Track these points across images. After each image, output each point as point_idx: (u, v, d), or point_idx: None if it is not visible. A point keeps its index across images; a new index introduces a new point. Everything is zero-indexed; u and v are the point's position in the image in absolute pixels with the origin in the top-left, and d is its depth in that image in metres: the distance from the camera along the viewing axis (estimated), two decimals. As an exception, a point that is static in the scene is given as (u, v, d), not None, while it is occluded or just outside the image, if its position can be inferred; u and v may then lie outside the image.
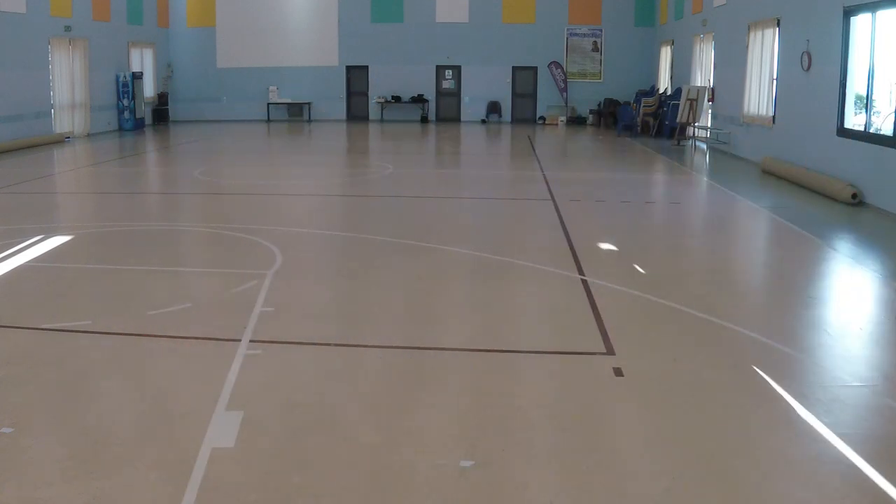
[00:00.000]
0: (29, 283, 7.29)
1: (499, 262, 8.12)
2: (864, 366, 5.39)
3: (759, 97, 16.78)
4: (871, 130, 11.99)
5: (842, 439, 4.20)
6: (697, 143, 20.77)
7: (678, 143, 21.01)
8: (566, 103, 28.38)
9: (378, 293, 7.15)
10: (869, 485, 3.79)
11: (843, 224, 10.70)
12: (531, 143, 22.01)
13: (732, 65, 18.37)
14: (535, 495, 3.69)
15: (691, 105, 20.48)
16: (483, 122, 28.74)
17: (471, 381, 5.05)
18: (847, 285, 7.83)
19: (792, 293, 7.24)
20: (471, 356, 5.55)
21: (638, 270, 7.83)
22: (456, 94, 29.14)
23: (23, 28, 19.96)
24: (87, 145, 21.01)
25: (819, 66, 13.46)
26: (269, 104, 29.23)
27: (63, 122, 22.10)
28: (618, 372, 5.17)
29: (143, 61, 26.81)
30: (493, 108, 28.93)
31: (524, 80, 28.88)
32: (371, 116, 29.46)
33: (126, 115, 24.98)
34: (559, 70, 28.27)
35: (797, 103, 14.49)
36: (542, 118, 28.74)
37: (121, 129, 24.95)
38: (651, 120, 23.99)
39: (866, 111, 12.04)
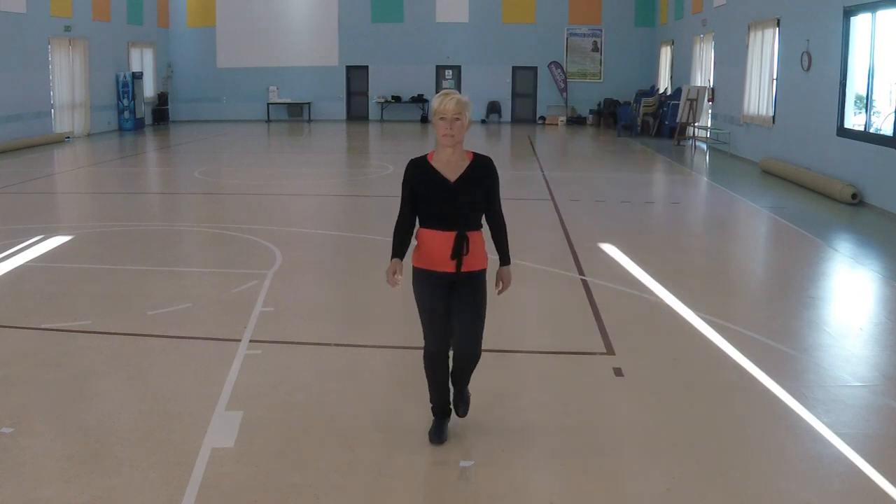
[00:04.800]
0: (29, 283, 7.29)
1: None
2: (864, 366, 5.39)
3: (759, 97, 16.79)
4: (871, 130, 11.99)
5: (842, 439, 4.21)
6: (697, 143, 20.76)
7: (678, 143, 21.01)
8: (566, 103, 28.39)
9: (378, 293, 7.14)
10: (869, 485, 3.79)
11: (843, 224, 10.70)
12: (531, 143, 22.01)
13: (732, 65, 18.37)
14: (535, 495, 3.69)
15: (691, 105, 20.48)
16: (483, 122, 28.74)
17: (470, 380, 5.04)
18: (847, 285, 7.83)
19: (792, 293, 7.24)
20: (471, 356, 5.54)
21: (637, 270, 7.83)
22: (456, 94, 29.14)
23: (23, 28, 19.96)
24: (87, 145, 21.01)
25: (819, 66, 13.45)
26: (269, 104, 29.23)
27: (63, 122, 22.11)
28: (618, 372, 5.17)
29: (143, 61, 26.81)
30: (493, 108, 28.93)
31: (524, 80, 28.88)
32: (371, 116, 29.46)
33: (126, 115, 24.99)
34: (559, 70, 28.28)
35: (797, 103, 14.49)
36: (542, 118, 28.74)
37: (121, 129, 24.96)
38: (651, 120, 23.99)
39: (866, 111, 12.04)
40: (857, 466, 3.95)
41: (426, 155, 4.02)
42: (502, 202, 4.12)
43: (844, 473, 3.90)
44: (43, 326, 5.98)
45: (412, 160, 4.04)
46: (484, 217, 4.07)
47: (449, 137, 3.86)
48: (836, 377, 5.14)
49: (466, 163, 3.96)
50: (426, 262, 3.98)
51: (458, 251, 3.91)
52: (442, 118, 3.86)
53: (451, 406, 4.25)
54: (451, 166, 3.93)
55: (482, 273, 4.02)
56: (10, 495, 3.61)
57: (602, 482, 3.81)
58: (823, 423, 4.41)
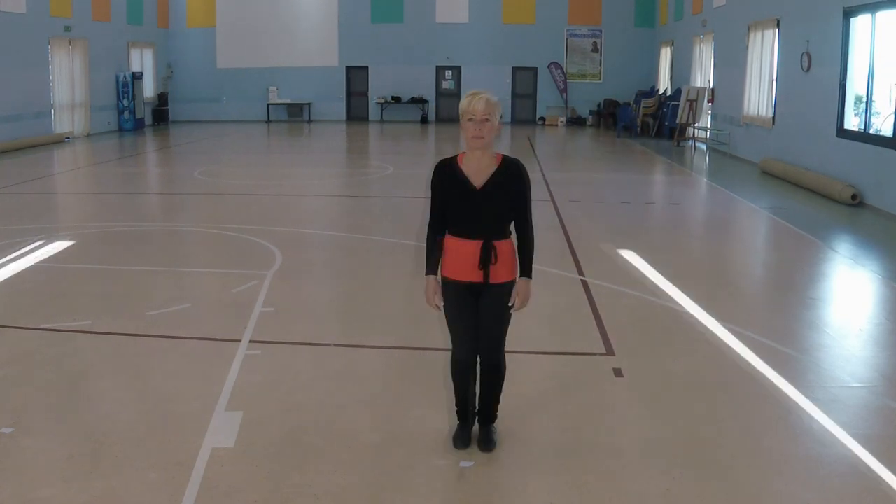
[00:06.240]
0: (29, 284, 7.29)
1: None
2: (864, 366, 5.39)
3: (758, 98, 16.79)
4: (871, 131, 12.00)
5: (842, 440, 4.21)
6: (697, 143, 20.77)
7: (678, 144, 21.01)
8: (566, 104, 28.39)
9: (378, 293, 7.15)
10: (869, 485, 3.79)
11: (843, 225, 10.71)
12: (531, 143, 22.01)
13: (732, 65, 18.38)
14: (535, 495, 3.69)
15: (691, 106, 20.48)
16: (483, 122, 28.69)
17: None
18: (847, 286, 7.83)
19: (792, 294, 7.24)
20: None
21: (637, 271, 7.84)
22: (456, 94, 29.10)
23: (23, 28, 19.96)
24: (87, 145, 21.01)
25: (819, 66, 13.46)
26: (269, 104, 29.23)
27: (63, 122, 22.10)
28: (618, 372, 5.17)
29: (143, 61, 26.80)
30: (493, 108, 28.87)
31: (524, 80, 28.88)
32: (371, 117, 29.47)
33: (126, 115, 24.98)
34: (559, 71, 28.28)
35: (797, 104, 14.49)
36: (542, 119, 28.74)
37: (121, 129, 24.95)
38: (651, 121, 23.99)
39: (866, 112, 12.04)
40: (857, 467, 3.95)
41: (455, 157, 3.89)
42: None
43: (844, 474, 3.90)
44: (43, 326, 5.98)
45: (440, 162, 3.91)
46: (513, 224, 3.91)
47: (478, 139, 3.73)
48: (835, 378, 5.14)
49: (494, 167, 3.80)
50: (452, 272, 3.87)
51: (486, 261, 3.79)
52: (471, 119, 3.72)
53: (476, 414, 4.18)
54: (479, 171, 3.79)
55: (510, 284, 3.87)
56: (10, 495, 3.61)
57: (602, 482, 3.81)
58: (823, 423, 4.41)
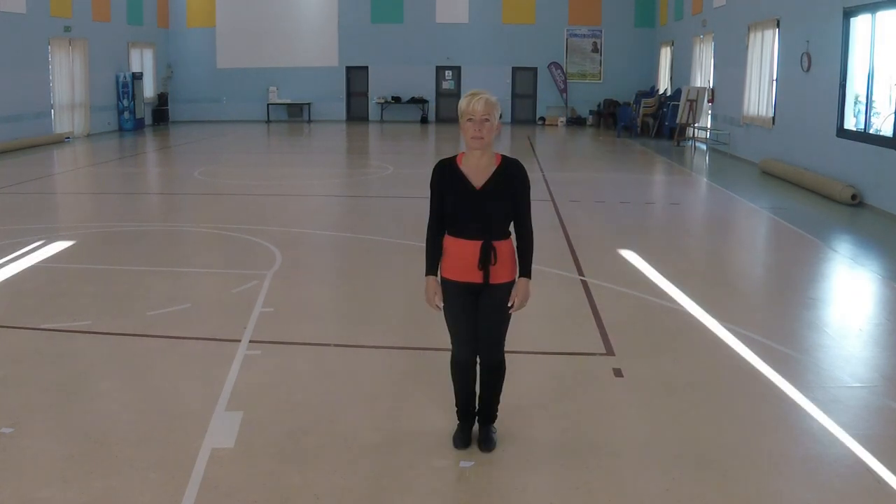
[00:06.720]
0: (30, 284, 7.28)
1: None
2: (864, 367, 5.39)
3: (758, 98, 16.79)
4: (871, 131, 12.00)
5: (841, 440, 4.21)
6: (697, 143, 20.77)
7: (678, 144, 21.01)
8: (566, 104, 28.39)
9: (378, 293, 7.15)
10: (869, 486, 3.79)
11: (843, 225, 10.71)
12: (531, 143, 22.01)
13: (732, 65, 18.38)
14: (535, 495, 3.70)
15: (691, 106, 20.48)
16: (483, 122, 28.67)
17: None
18: (847, 286, 7.83)
19: (792, 294, 7.24)
20: (471, 356, 5.53)
21: (636, 271, 7.84)
22: (456, 94, 29.10)
23: (23, 28, 19.97)
24: (87, 145, 21.01)
25: (819, 66, 13.46)
26: (268, 105, 29.23)
27: (63, 123, 22.10)
28: (618, 372, 5.17)
29: (143, 61, 26.80)
30: (493, 108, 28.84)
31: (524, 80, 28.88)
32: (371, 117, 29.47)
33: (126, 115, 24.99)
34: (559, 71, 28.28)
35: (797, 104, 14.49)
36: (542, 119, 28.74)
37: (121, 129, 24.96)
38: (651, 121, 23.99)
39: (866, 112, 12.03)
40: (857, 467, 3.95)
41: (455, 157, 3.88)
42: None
43: (844, 474, 3.90)
44: (43, 326, 5.98)
45: (439, 162, 3.91)
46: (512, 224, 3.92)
47: (478, 140, 3.72)
48: (835, 378, 5.14)
49: (494, 167, 3.80)
50: (452, 272, 3.88)
51: (486, 261, 3.79)
52: (470, 119, 3.72)
53: (476, 413, 4.18)
54: (478, 171, 3.79)
55: (510, 285, 3.88)
56: (9, 495, 3.61)
57: (602, 482, 3.81)
58: (823, 423, 4.41)
